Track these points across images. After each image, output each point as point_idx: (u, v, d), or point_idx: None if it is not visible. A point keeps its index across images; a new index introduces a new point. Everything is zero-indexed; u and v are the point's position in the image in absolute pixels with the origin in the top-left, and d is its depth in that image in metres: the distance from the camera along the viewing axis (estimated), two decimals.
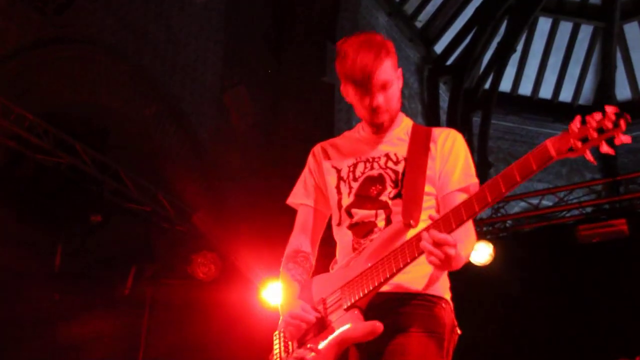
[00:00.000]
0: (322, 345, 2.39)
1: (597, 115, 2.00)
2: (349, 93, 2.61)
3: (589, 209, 8.35)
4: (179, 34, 9.08)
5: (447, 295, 2.53)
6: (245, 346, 7.29)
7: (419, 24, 13.40)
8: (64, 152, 6.88)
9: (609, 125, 1.98)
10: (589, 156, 2.03)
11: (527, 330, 7.59)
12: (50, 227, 7.61)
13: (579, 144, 2.01)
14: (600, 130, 1.99)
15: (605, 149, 1.99)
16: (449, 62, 13.83)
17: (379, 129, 2.67)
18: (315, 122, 9.73)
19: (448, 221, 2.18)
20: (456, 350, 2.59)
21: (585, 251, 7.80)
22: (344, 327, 2.35)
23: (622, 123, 1.96)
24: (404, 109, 12.66)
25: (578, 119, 2.04)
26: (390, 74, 2.54)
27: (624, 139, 1.97)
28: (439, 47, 13.85)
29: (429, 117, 13.26)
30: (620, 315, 7.29)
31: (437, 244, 2.14)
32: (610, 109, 1.98)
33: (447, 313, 2.48)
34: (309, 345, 2.42)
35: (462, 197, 2.51)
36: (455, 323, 2.53)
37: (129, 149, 7.96)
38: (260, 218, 8.27)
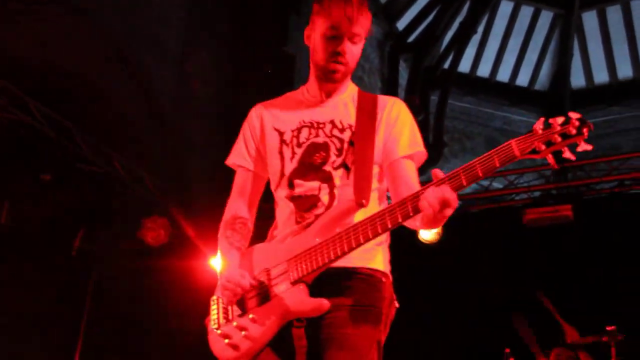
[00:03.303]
0: (265, 317, 2.40)
1: (560, 119, 2.06)
2: (315, 33, 2.59)
3: (537, 193, 8.52)
4: None
5: (387, 269, 2.56)
6: (191, 313, 7.28)
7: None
8: (16, 108, 6.73)
9: (573, 131, 2.04)
10: (551, 160, 2.09)
11: (473, 308, 7.75)
12: None
13: (543, 147, 2.07)
14: (564, 136, 2.05)
15: (567, 154, 2.06)
16: (410, 40, 13.85)
17: (328, 80, 2.65)
18: (275, 93, 9.66)
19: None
20: (400, 323, 2.64)
21: (532, 234, 7.98)
22: (290, 301, 2.37)
23: (585, 131, 2.03)
24: (362, 83, 12.66)
25: (542, 120, 2.09)
26: (364, 31, 2.56)
27: (586, 146, 2.04)
28: (401, 24, 13.86)
29: (388, 93, 13.14)
30: (559, 298, 7.51)
31: (445, 203, 2.14)
32: (574, 115, 2.04)
33: (386, 287, 2.52)
34: (251, 316, 2.42)
35: (408, 164, 2.57)
36: (394, 297, 2.56)
37: (86, 109, 7.81)
38: (215, 187, 8.24)
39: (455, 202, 2.15)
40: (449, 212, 2.16)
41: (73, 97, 7.67)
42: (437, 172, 2.23)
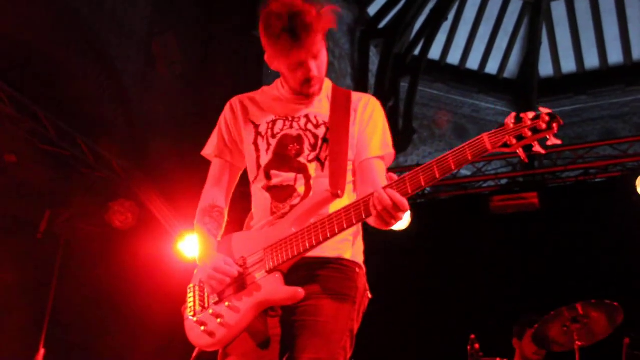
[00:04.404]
0: (241, 304, 2.41)
1: (531, 114, 2.11)
2: (277, 63, 2.58)
3: (504, 181, 8.61)
4: None
5: (361, 260, 2.60)
6: (158, 297, 7.27)
7: None
8: None
9: (543, 126, 2.08)
10: (521, 154, 2.12)
11: (440, 293, 7.82)
12: None
13: (514, 141, 2.12)
14: (534, 130, 2.09)
15: (537, 148, 2.11)
16: (381, 25, 13.85)
17: (307, 96, 2.67)
18: (243, 76, 9.62)
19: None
20: (370, 312, 2.66)
21: (498, 221, 8.07)
22: (265, 289, 2.39)
23: (555, 126, 2.07)
24: (333, 68, 12.58)
25: (513, 115, 2.13)
26: (321, 41, 2.54)
27: (555, 141, 2.07)
28: (372, 9, 13.86)
29: (358, 79, 13.31)
30: (525, 282, 7.62)
31: (397, 207, 2.21)
32: (544, 110, 2.09)
33: (360, 277, 2.56)
34: (227, 304, 2.43)
35: (378, 164, 2.60)
36: (367, 287, 2.60)
37: (51, 89, 7.67)
38: (181, 169, 8.18)
39: (404, 206, 2.22)
40: (400, 215, 2.24)
41: (38, 77, 7.53)
42: (392, 176, 2.34)
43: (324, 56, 2.59)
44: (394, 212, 2.21)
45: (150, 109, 9.19)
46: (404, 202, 2.21)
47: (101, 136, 8.03)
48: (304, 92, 2.62)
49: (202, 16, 10.25)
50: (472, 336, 5.61)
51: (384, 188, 2.24)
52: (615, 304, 5.36)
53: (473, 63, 15.15)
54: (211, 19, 10.33)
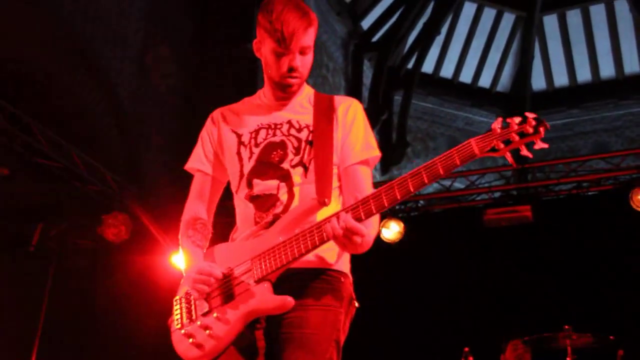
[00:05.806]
0: (230, 315, 2.38)
1: (518, 119, 2.12)
2: (264, 48, 2.57)
3: (497, 194, 8.61)
4: None
5: (347, 269, 2.58)
6: (151, 310, 7.23)
7: None
8: None
9: (530, 130, 2.10)
10: (509, 157, 2.14)
11: (433, 306, 7.81)
12: None
13: (501, 145, 2.13)
14: (522, 134, 2.11)
15: (525, 152, 2.13)
16: (375, 39, 13.91)
17: (285, 93, 2.65)
18: (236, 89, 9.64)
19: (369, 207, 2.24)
20: (361, 324, 2.65)
21: (492, 234, 8.07)
22: (254, 299, 2.36)
23: (542, 130, 2.10)
24: (327, 82, 12.60)
25: (500, 120, 2.15)
26: (312, 41, 2.55)
27: (542, 145, 2.09)
28: (365, 23, 13.92)
29: (352, 93, 13.34)
30: (518, 295, 7.62)
31: (349, 231, 2.20)
32: (530, 115, 2.11)
33: (346, 287, 2.53)
34: (215, 315, 2.41)
35: (363, 169, 2.59)
36: (354, 296, 2.57)
37: (44, 102, 7.67)
38: (175, 182, 8.18)
39: (360, 231, 2.22)
40: (357, 239, 2.23)
41: (32, 90, 7.53)
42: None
43: (310, 56, 2.59)
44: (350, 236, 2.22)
45: (144, 121, 9.19)
46: (357, 227, 2.21)
47: (94, 149, 8.03)
48: (285, 82, 2.59)
49: (195, 28, 10.28)
50: (466, 349, 5.61)
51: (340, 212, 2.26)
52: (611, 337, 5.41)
53: (466, 76, 15.21)
54: (205, 31, 10.36)
